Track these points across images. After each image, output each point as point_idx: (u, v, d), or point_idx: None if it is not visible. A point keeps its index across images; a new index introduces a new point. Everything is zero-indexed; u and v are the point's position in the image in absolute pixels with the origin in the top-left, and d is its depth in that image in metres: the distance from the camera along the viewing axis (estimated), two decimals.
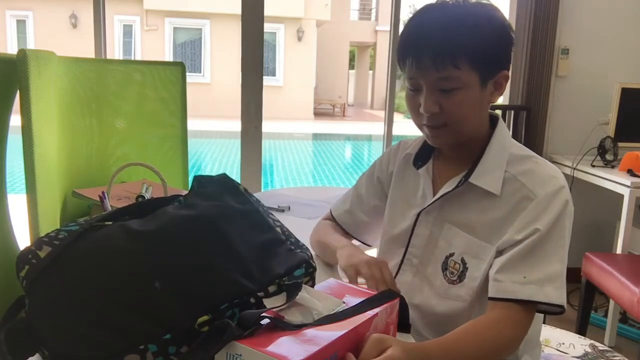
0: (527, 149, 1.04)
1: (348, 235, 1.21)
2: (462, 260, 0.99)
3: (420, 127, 1.02)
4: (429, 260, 1.05)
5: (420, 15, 0.96)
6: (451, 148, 1.05)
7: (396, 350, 0.71)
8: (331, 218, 1.25)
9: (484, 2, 0.97)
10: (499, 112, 3.00)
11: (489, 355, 0.87)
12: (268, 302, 0.74)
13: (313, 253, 0.90)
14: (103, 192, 1.29)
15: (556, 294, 0.90)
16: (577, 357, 1.43)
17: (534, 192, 0.94)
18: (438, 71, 0.92)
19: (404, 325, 0.87)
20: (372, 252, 1.28)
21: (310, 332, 0.68)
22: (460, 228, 1.00)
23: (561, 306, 0.91)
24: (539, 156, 1.01)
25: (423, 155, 1.09)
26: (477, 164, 0.99)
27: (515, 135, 3.01)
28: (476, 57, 0.92)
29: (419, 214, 1.06)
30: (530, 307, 0.91)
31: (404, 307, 0.86)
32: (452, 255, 1.01)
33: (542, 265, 0.91)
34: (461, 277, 0.99)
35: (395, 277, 1.10)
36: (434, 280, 1.03)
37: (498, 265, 0.93)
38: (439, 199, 1.03)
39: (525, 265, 0.91)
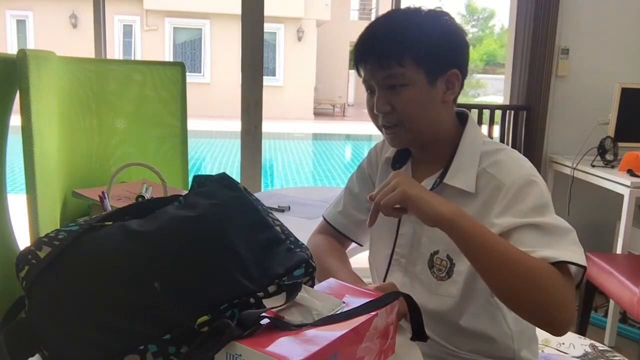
0: (498, 142, 1.07)
1: (343, 236, 1.21)
2: (448, 256, 1.01)
3: (380, 129, 1.05)
4: (416, 258, 1.06)
5: (369, 25, 1.02)
6: (421, 149, 1.07)
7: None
8: (325, 225, 1.25)
9: (438, 10, 1.01)
10: (499, 112, 3.02)
11: (522, 271, 0.83)
12: (268, 302, 0.74)
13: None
14: (103, 192, 1.29)
15: (577, 256, 0.86)
16: (577, 357, 1.43)
17: (502, 181, 0.96)
18: (384, 70, 0.97)
19: (420, 334, 0.86)
20: (364, 253, 1.28)
21: (310, 332, 0.68)
22: None
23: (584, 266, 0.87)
24: (508, 147, 1.04)
25: (401, 157, 1.12)
26: (450, 164, 1.01)
27: (515, 135, 3.00)
28: (419, 54, 0.96)
29: None
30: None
31: (418, 315, 0.85)
32: (437, 252, 1.02)
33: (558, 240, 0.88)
34: (449, 273, 1.01)
35: (385, 277, 1.12)
36: (422, 278, 1.05)
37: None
38: None
39: (542, 244, 0.88)
